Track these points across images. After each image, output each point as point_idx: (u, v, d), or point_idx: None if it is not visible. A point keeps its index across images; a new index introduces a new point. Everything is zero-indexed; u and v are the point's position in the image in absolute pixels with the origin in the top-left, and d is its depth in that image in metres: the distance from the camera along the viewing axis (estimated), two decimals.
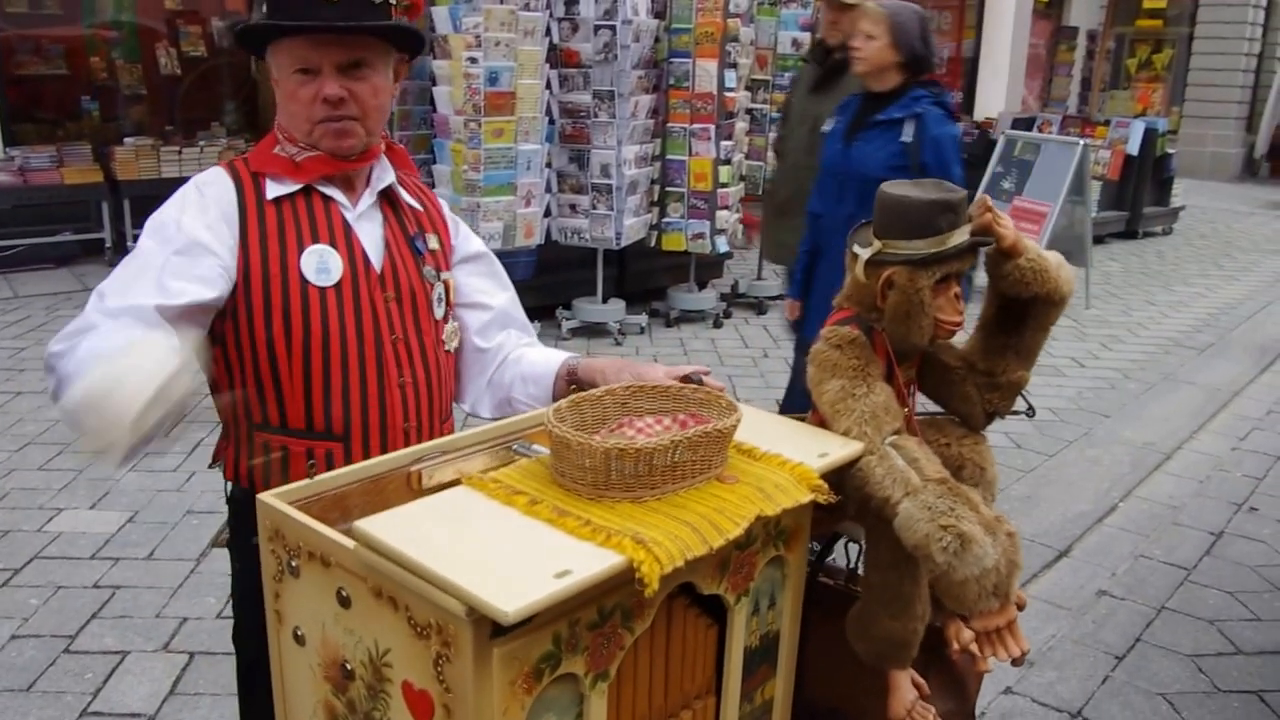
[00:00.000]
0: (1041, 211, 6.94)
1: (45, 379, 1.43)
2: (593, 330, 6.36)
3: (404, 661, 1.07)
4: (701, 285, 7.01)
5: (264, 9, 1.59)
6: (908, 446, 1.36)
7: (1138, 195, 9.92)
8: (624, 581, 1.07)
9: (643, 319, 6.56)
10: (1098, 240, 9.18)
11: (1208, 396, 5.65)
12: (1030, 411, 1.56)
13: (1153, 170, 9.95)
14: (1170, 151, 10.29)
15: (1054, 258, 1.45)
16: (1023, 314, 1.48)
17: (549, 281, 6.49)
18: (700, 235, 6.48)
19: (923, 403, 1.65)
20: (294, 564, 1.19)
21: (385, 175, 1.68)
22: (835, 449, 1.36)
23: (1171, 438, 4.99)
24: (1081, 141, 7.14)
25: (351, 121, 1.55)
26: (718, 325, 6.72)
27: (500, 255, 6.55)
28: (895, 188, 1.40)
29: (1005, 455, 4.65)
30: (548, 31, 5.88)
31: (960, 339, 1.57)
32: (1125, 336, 6.83)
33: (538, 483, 1.20)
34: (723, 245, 6.60)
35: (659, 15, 6.25)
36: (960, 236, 1.37)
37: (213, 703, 2.73)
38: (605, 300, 6.47)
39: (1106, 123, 9.75)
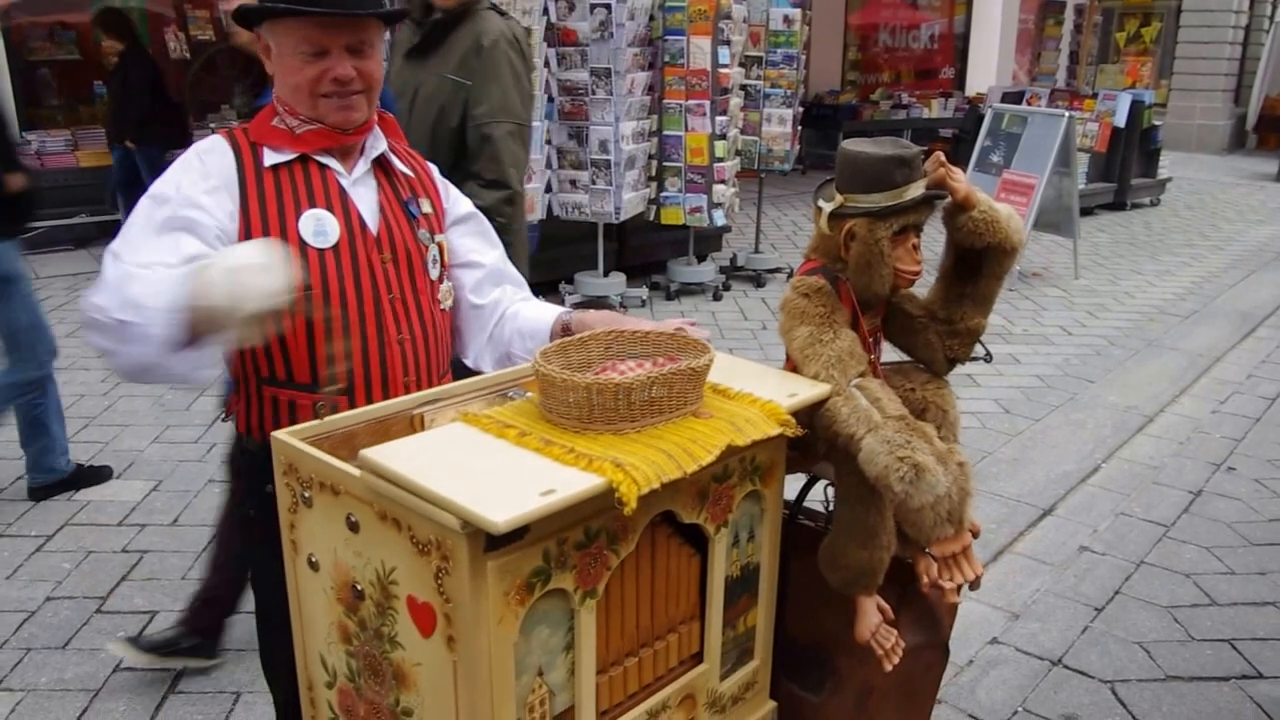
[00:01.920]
0: (1029, 183, 7.02)
1: (87, 333, 1.50)
2: (595, 304, 6.48)
3: (408, 578, 1.18)
4: (701, 258, 7.12)
5: None
6: (871, 387, 1.47)
7: (1125, 167, 10.01)
8: (607, 506, 1.18)
9: (643, 292, 6.67)
10: (1086, 212, 9.26)
11: (1190, 362, 5.75)
12: (988, 357, 1.67)
13: (1140, 142, 10.04)
14: (1157, 123, 10.38)
15: (1004, 209, 1.55)
16: (977, 264, 1.59)
17: (551, 257, 6.59)
18: (698, 209, 6.59)
19: (892, 353, 1.76)
20: (307, 495, 1.30)
21: (378, 144, 1.76)
22: (804, 390, 1.47)
23: (1154, 401, 5.10)
24: (1067, 113, 7.20)
25: (357, 96, 1.65)
26: (717, 298, 6.83)
27: None
28: (853, 145, 1.51)
29: (994, 420, 4.77)
30: (545, 10, 5.95)
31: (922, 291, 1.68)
32: (1112, 305, 6.94)
33: (528, 419, 1.31)
34: (720, 218, 6.70)
35: None
36: (916, 190, 1.48)
37: (238, 658, 2.87)
38: (606, 274, 6.58)
39: (1094, 95, 9.83)
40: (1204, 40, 15.01)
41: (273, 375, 1.68)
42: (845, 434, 1.45)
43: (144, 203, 1.62)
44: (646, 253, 7.18)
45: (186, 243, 1.55)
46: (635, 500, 1.14)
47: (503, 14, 2.98)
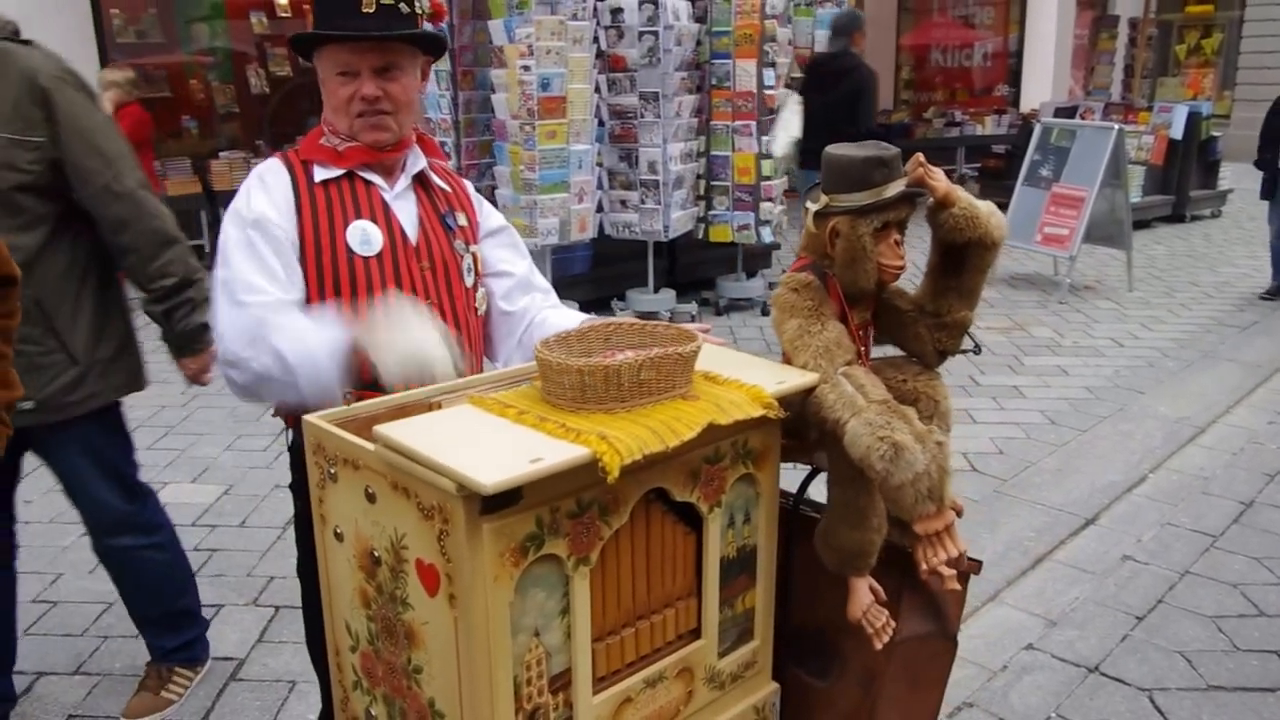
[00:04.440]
0: (1079, 196, 6.98)
1: (229, 371, 1.77)
2: (645, 320, 6.62)
3: (416, 541, 1.30)
4: (750, 274, 7.23)
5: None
6: (856, 374, 1.55)
7: (1183, 179, 9.88)
8: (597, 479, 1.28)
9: (693, 307, 6.81)
10: (1143, 224, 9.15)
11: (1247, 373, 5.66)
12: (976, 349, 1.73)
13: (1199, 154, 9.89)
14: (1215, 135, 10.20)
15: (985, 206, 1.62)
16: (961, 259, 1.66)
17: (604, 274, 6.80)
18: (746, 226, 6.71)
19: (889, 348, 1.84)
20: (333, 471, 1.43)
21: (417, 162, 1.93)
22: (792, 378, 1.56)
23: (1207, 412, 5.03)
24: (1116, 126, 7.17)
25: (385, 116, 1.81)
26: (765, 313, 6.91)
27: (557, 250, 6.79)
28: (837, 149, 1.61)
29: (1039, 431, 4.76)
30: (595, 39, 6.15)
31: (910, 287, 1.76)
32: (1166, 317, 6.84)
33: (528, 401, 1.43)
34: (768, 235, 6.80)
35: (699, 19, 6.51)
36: (895, 188, 1.57)
37: (295, 649, 3.03)
38: (657, 291, 6.74)
39: (1149, 108, 9.71)
40: (1268, 50, 14.65)
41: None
42: (832, 419, 1.53)
43: (228, 230, 1.81)
44: (696, 269, 7.32)
45: (273, 261, 1.76)
46: (617, 469, 1.24)
47: (28, 43, 2.33)
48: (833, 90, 6.36)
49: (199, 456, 4.59)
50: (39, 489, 4.23)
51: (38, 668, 2.99)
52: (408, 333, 1.62)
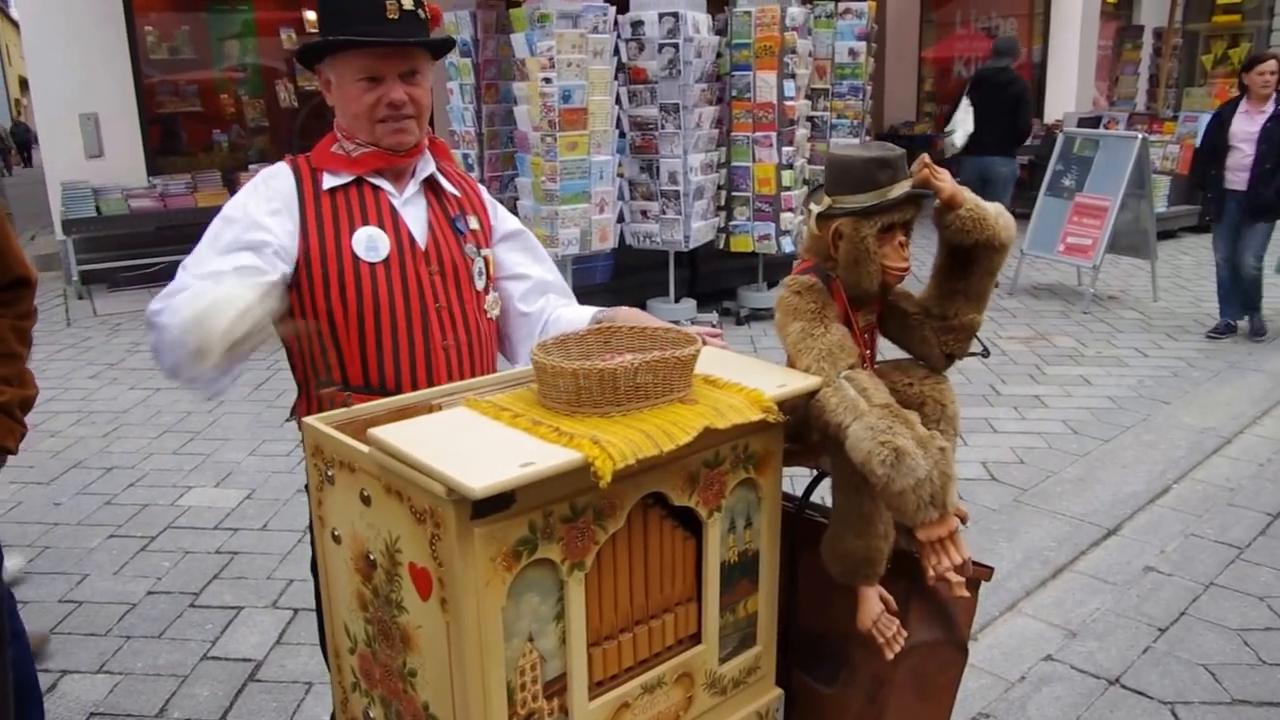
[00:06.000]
0: (1103, 206, 6.92)
1: (147, 334, 1.71)
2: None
3: (409, 545, 1.30)
4: (771, 284, 7.22)
5: (321, 26, 1.87)
6: (859, 378, 1.53)
7: None
8: (590, 484, 1.27)
9: (714, 317, 6.80)
10: (1169, 235, 9.04)
11: (1275, 383, 5.58)
12: (985, 352, 1.71)
13: None
14: None
15: (992, 208, 1.60)
16: (969, 260, 1.64)
17: (625, 284, 6.81)
18: (766, 236, 6.71)
19: (895, 351, 1.82)
20: (330, 473, 1.44)
21: (427, 166, 1.94)
22: (793, 381, 1.54)
23: (1233, 422, 4.96)
24: (1139, 135, 7.11)
25: (410, 120, 1.83)
26: None
27: (578, 259, 6.86)
28: (840, 149, 1.59)
29: (1061, 440, 4.71)
30: (616, 51, 6.18)
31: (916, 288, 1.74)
32: (1192, 327, 6.76)
33: (524, 404, 1.42)
34: (789, 245, 6.79)
35: (719, 32, 6.52)
36: (899, 189, 1.55)
37: (312, 651, 3.05)
38: (678, 300, 6.73)
39: (1174, 118, 9.60)
40: None
41: (330, 378, 1.85)
42: (834, 423, 1.52)
43: (216, 222, 1.82)
44: (717, 279, 7.32)
45: (245, 259, 1.73)
46: (610, 474, 1.23)
47: None
48: (1000, 95, 7.65)
49: (223, 461, 4.65)
50: (67, 491, 4.31)
51: (62, 666, 3.04)
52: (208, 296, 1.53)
